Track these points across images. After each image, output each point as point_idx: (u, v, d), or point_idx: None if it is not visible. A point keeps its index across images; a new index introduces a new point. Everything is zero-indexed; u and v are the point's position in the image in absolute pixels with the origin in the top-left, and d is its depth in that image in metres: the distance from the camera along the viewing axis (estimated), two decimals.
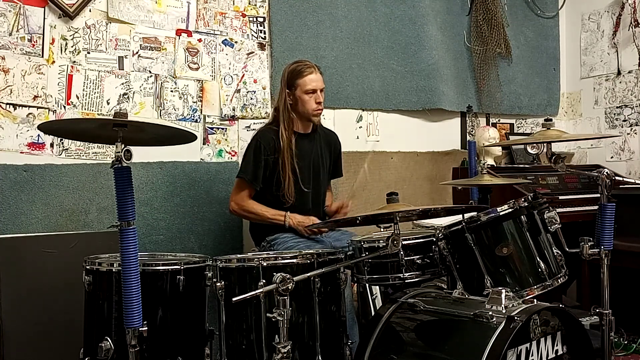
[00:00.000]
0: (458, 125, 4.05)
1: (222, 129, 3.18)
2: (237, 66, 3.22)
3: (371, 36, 3.62)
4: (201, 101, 3.12)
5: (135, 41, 2.95)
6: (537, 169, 3.78)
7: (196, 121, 3.11)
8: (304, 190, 2.68)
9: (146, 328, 1.75)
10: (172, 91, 3.04)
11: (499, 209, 2.00)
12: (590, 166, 3.92)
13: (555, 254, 2.04)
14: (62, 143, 2.79)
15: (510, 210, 1.99)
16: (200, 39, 3.12)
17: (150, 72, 2.99)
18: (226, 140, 3.18)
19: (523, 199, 2.02)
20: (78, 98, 2.82)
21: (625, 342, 3.06)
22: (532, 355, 1.77)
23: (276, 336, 1.73)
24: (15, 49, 2.68)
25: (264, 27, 3.30)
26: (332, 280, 2.12)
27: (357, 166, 3.56)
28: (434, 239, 2.11)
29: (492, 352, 1.66)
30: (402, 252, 2.06)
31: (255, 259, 2.03)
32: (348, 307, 2.25)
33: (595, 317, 2.03)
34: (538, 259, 1.97)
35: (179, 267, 2.08)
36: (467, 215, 2.07)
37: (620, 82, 4.03)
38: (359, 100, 3.58)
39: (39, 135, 2.72)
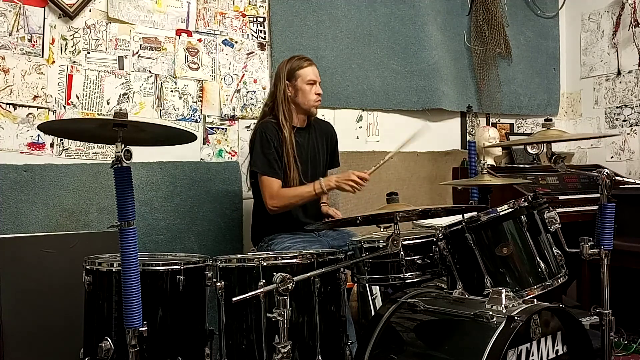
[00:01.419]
0: (458, 125, 4.05)
1: (222, 129, 3.18)
2: (237, 66, 3.22)
3: (371, 36, 3.62)
4: (201, 101, 3.12)
5: (135, 41, 2.95)
6: (537, 169, 3.78)
7: (196, 121, 3.11)
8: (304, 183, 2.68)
9: (146, 328, 1.74)
10: (172, 91, 3.04)
11: (499, 209, 1.99)
12: (590, 166, 3.92)
13: (555, 254, 2.04)
14: (62, 143, 2.79)
15: (510, 210, 1.99)
16: (200, 39, 3.12)
17: (150, 72, 2.99)
18: (226, 140, 3.19)
19: (523, 199, 2.02)
20: (78, 98, 2.82)
21: (625, 342, 3.06)
22: (532, 355, 1.77)
23: (276, 336, 1.73)
24: (15, 49, 2.69)
25: (264, 27, 3.30)
26: (332, 280, 2.12)
27: (357, 166, 3.56)
28: (434, 239, 2.11)
29: (492, 352, 1.66)
30: (402, 252, 2.06)
31: (255, 259, 2.03)
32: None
33: (595, 317, 2.03)
34: (538, 259, 1.97)
35: (179, 267, 2.07)
36: (467, 215, 2.07)
37: (620, 82, 4.03)
38: (359, 100, 3.58)
39: (39, 135, 2.73)
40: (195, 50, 3.10)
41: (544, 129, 2.16)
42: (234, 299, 1.79)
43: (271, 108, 2.72)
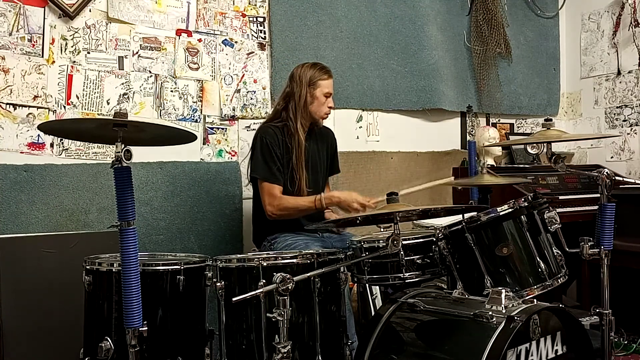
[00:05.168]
0: (458, 125, 4.05)
1: (222, 129, 3.18)
2: (237, 66, 3.22)
3: (371, 36, 3.62)
4: (201, 101, 3.12)
5: (135, 41, 2.95)
6: (537, 169, 3.78)
7: (196, 121, 3.11)
8: (307, 190, 2.67)
9: (146, 328, 1.74)
10: (172, 91, 3.04)
11: (499, 209, 1.99)
12: (590, 166, 3.92)
13: (555, 254, 2.04)
14: (62, 143, 2.79)
15: (510, 210, 1.99)
16: (200, 39, 3.12)
17: (150, 72, 2.99)
18: (226, 140, 3.19)
19: (523, 199, 2.02)
20: (78, 98, 2.82)
21: (625, 342, 3.06)
22: (531, 355, 1.77)
23: (276, 336, 1.73)
24: (15, 49, 2.68)
25: (264, 27, 3.30)
26: (332, 280, 2.12)
27: (357, 166, 3.56)
28: (434, 239, 2.11)
29: (492, 352, 1.66)
30: (402, 252, 2.06)
31: (255, 259, 2.03)
32: None
33: (595, 317, 2.03)
34: (538, 259, 1.97)
35: (179, 267, 2.07)
36: (467, 215, 2.07)
37: (620, 82, 4.03)
38: (359, 100, 3.58)
39: (39, 135, 2.73)
40: (195, 50, 3.10)
41: (544, 129, 2.16)
42: (234, 299, 1.79)
43: (284, 109, 2.69)
